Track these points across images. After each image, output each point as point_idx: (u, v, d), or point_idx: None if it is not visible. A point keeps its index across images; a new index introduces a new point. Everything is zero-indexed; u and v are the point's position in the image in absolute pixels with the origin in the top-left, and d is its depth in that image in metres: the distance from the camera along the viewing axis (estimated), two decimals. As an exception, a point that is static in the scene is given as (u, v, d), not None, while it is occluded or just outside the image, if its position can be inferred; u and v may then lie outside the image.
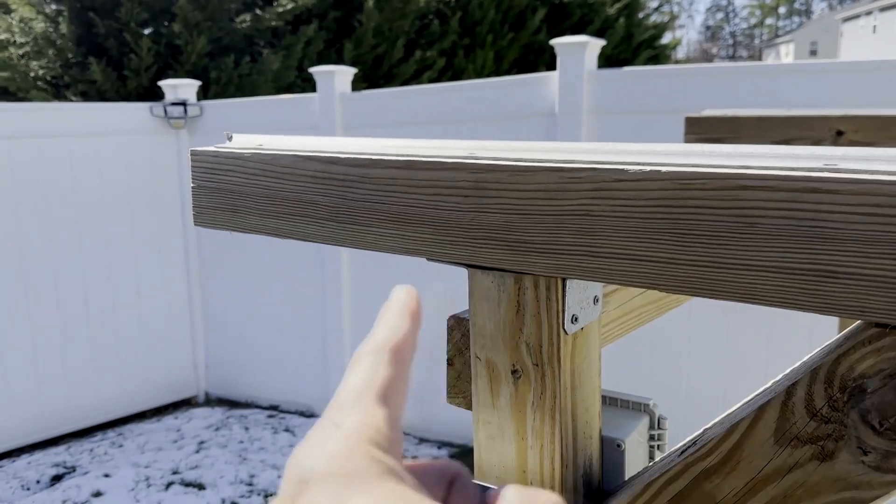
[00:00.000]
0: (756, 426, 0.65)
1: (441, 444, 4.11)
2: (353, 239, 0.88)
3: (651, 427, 0.91)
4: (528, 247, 0.73)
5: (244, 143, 1.03)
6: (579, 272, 0.71)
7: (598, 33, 9.51)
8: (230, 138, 1.08)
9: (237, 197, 0.99)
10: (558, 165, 0.70)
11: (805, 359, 0.67)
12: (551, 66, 9.36)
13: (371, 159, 0.84)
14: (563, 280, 0.75)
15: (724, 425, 0.69)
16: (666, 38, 13.07)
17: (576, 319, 0.76)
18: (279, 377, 4.84)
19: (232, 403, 4.94)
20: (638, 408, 0.92)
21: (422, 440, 4.17)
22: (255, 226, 0.98)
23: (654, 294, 1.06)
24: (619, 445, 0.85)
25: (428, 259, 0.84)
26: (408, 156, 0.83)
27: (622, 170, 0.67)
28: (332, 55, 8.29)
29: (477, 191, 0.76)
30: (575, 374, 0.78)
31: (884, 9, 27.47)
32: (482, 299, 0.79)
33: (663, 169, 0.64)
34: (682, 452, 0.72)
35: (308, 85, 8.20)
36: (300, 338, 4.70)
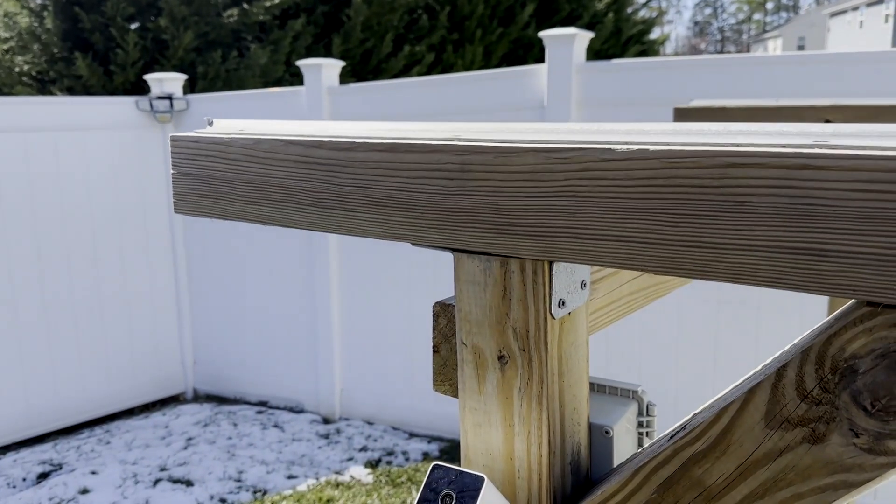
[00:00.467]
0: (746, 409, 0.64)
1: (431, 439, 4.10)
2: (338, 224, 0.86)
3: (640, 414, 0.90)
4: (515, 229, 0.72)
5: (225, 128, 1.01)
6: (566, 254, 0.69)
7: (586, 28, 9.51)
8: (211, 123, 1.06)
9: (219, 183, 0.97)
10: (544, 146, 0.69)
11: (795, 340, 0.66)
12: (540, 60, 9.34)
13: (354, 142, 0.82)
14: (550, 263, 0.73)
15: (713, 409, 0.68)
16: (654, 34, 13.06)
17: (563, 304, 0.75)
18: (268, 373, 4.81)
19: (220, 399, 4.91)
20: (626, 394, 0.91)
21: (412, 435, 4.16)
22: (238, 212, 0.96)
23: (642, 281, 1.05)
24: (607, 432, 0.84)
25: (413, 244, 0.82)
26: (392, 138, 0.81)
27: (609, 149, 0.65)
28: (321, 50, 8.25)
29: (462, 173, 0.75)
30: (562, 359, 0.77)
31: (870, 4, 27.60)
32: (468, 284, 0.78)
33: (651, 148, 0.63)
34: (672, 437, 0.71)
35: (296, 80, 8.16)
36: (289, 333, 4.68)
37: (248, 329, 4.87)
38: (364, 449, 3.99)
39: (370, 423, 4.32)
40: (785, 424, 0.62)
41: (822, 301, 3.06)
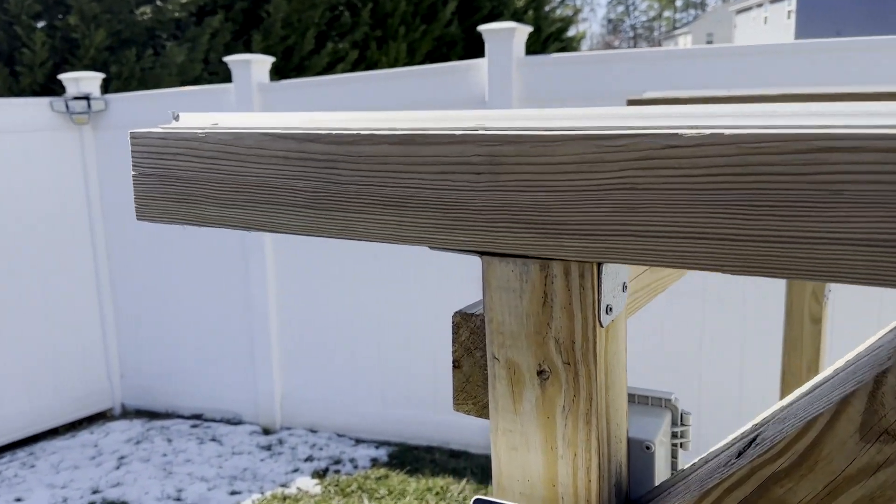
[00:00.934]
0: (837, 421, 0.57)
1: (379, 444, 3.99)
2: (339, 228, 0.76)
3: (673, 424, 0.84)
4: (558, 228, 0.64)
5: (195, 122, 0.90)
6: (621, 255, 0.62)
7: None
8: (177, 118, 0.94)
9: (191, 185, 0.86)
10: (595, 133, 0.61)
11: (879, 340, 0.60)
12: (464, 58, 9.28)
13: (360, 135, 0.73)
14: (599, 265, 0.65)
15: (791, 421, 0.61)
16: (571, 32, 13.24)
17: (610, 310, 0.67)
18: (202, 384, 4.60)
19: (151, 414, 4.67)
20: (658, 403, 0.84)
21: (358, 441, 4.04)
22: (215, 217, 0.85)
23: (644, 278, 0.99)
24: (648, 447, 0.77)
25: (431, 248, 0.73)
26: (405, 129, 0.72)
27: (675, 134, 0.58)
28: (240, 47, 8.02)
29: (492, 166, 0.66)
30: (607, 371, 0.69)
31: (774, 0, 28.73)
32: (500, 290, 0.69)
33: (726, 132, 0.56)
34: (741, 454, 0.64)
35: (215, 78, 7.92)
36: (224, 341, 4.49)
37: (179, 338, 4.64)
38: (309, 459, 3.84)
39: (314, 432, 4.17)
40: (884, 437, 0.56)
41: (772, 290, 3.10)
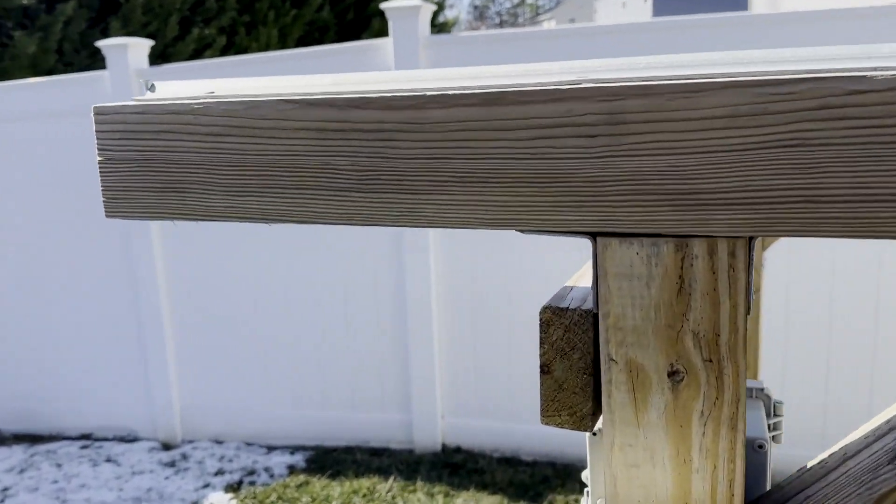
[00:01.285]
0: None
1: (294, 449, 3.78)
2: (396, 215, 0.62)
3: (767, 416, 0.75)
4: (702, 198, 0.53)
5: (183, 91, 0.73)
6: (788, 227, 0.52)
7: (379, 12, 9.39)
8: (152, 88, 0.77)
9: (185, 169, 0.69)
10: (754, 79, 0.50)
11: None
12: (337, 41, 9.07)
13: (427, 96, 0.59)
14: (751, 240, 0.55)
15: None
16: (441, 18, 13.26)
17: (755, 293, 0.57)
18: (90, 401, 4.22)
19: (33, 438, 4.24)
20: (748, 394, 0.75)
21: (271, 448, 3.81)
22: (220, 209, 0.69)
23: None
24: (760, 446, 0.68)
25: (522, 231, 0.60)
26: (485, 87, 0.59)
27: (863, 77, 0.48)
28: (97, 34, 7.49)
29: (611, 126, 0.54)
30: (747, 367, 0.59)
31: (629, -15, 29.86)
32: (621, 278, 0.57)
33: (932, 71, 0.47)
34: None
35: (71, 69, 7.41)
36: (111, 348, 4.12)
37: (58, 350, 4.23)
38: (220, 472, 3.59)
39: (220, 443, 3.91)
40: None
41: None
